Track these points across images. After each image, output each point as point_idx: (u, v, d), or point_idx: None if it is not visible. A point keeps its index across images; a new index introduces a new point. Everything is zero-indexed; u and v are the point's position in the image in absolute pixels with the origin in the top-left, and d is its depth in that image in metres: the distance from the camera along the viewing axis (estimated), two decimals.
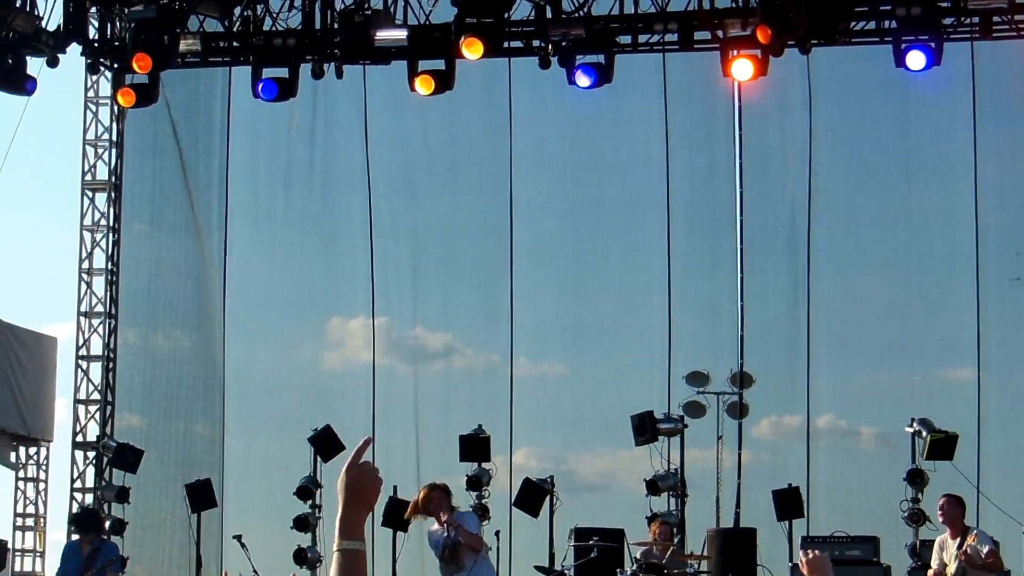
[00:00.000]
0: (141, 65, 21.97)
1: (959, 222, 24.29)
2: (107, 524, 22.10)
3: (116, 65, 23.76)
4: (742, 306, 24.96)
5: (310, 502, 23.30)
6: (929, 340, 24.87)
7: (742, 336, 24.91)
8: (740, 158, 25.08)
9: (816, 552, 7.57)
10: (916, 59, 20.68)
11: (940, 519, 18.34)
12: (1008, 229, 24.39)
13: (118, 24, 23.21)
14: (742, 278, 25.01)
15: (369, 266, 26.09)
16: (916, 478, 21.69)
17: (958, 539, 17.76)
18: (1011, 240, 24.35)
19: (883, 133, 25.14)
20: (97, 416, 26.53)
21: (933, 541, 19.36)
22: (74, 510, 25.76)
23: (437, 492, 17.66)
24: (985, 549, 17.74)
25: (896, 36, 20.86)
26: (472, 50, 21.15)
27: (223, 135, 26.66)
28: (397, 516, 22.22)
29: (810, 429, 24.81)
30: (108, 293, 26.66)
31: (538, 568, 20.92)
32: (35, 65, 21.67)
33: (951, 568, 17.71)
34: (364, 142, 25.95)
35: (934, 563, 18.07)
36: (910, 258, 25.04)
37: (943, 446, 21.62)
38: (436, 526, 17.74)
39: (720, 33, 21.89)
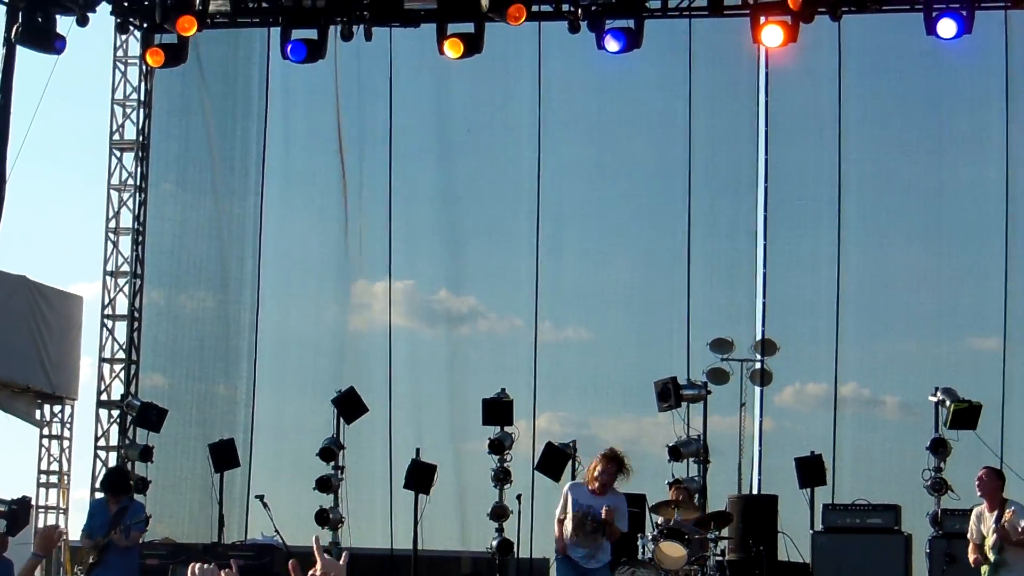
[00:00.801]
0: (185, 26, 21.94)
1: (989, 193, 24.31)
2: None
3: (145, 25, 23.65)
4: (765, 273, 25.03)
5: (332, 463, 23.18)
6: (956, 310, 24.85)
7: (764, 303, 25.01)
8: (767, 125, 25.19)
9: None
10: (947, 27, 20.49)
11: (978, 491, 18.18)
12: None
13: None
14: (766, 245, 25.08)
15: (391, 229, 26.17)
16: (939, 447, 21.58)
17: (996, 512, 17.60)
18: None
19: (913, 103, 25.14)
20: (121, 375, 26.65)
21: (954, 511, 19.31)
22: (98, 468, 25.82)
23: (613, 465, 17.32)
24: (1022, 524, 17.59)
25: (927, 3, 20.64)
26: (514, 15, 21.08)
27: (261, 99, 26.71)
28: (419, 478, 22.22)
29: (834, 397, 24.84)
30: (134, 252, 26.72)
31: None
32: (64, 24, 21.58)
33: (989, 541, 17.56)
34: (389, 106, 25.94)
35: (971, 535, 17.90)
36: (939, 228, 25.05)
37: (966, 416, 21.53)
38: (593, 490, 17.37)
39: None
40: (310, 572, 5.73)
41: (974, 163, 24.83)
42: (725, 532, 21.08)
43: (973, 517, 17.95)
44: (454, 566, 24.03)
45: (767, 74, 25.07)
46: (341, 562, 6.04)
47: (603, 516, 17.05)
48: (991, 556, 17.45)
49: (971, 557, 17.78)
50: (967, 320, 24.79)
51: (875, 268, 25.19)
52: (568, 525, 17.33)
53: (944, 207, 25.01)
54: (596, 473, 17.27)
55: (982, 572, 17.61)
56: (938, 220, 25.02)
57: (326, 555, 6.39)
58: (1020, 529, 17.30)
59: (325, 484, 23.14)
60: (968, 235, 24.80)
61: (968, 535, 17.93)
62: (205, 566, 7.13)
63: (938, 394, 21.79)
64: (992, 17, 22.09)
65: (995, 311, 24.11)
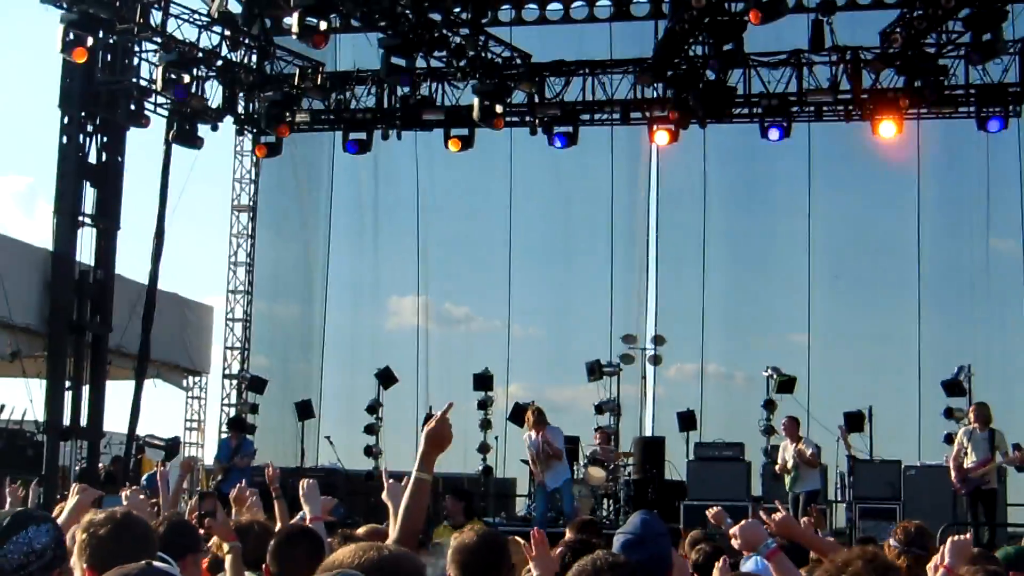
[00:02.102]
0: (281, 131, 22.41)
1: (798, 238, 24.34)
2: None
3: (255, 130, 23.99)
4: (656, 292, 25.11)
5: (375, 415, 23.40)
6: (778, 314, 25.06)
7: (656, 311, 25.04)
8: (658, 195, 25.29)
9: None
10: (775, 133, 21.01)
11: (783, 431, 18.55)
12: (831, 246, 24.55)
13: (256, 103, 23.44)
14: (657, 273, 25.15)
15: (416, 260, 26.37)
16: (769, 405, 21.95)
17: (794, 444, 18.04)
18: (830, 250, 24.51)
19: (749, 178, 25.12)
20: (239, 358, 26.84)
21: (777, 446, 19.60)
22: (223, 418, 26.04)
23: (536, 412, 17.67)
24: (809, 451, 18.06)
25: (761, 119, 21.13)
26: (497, 124, 21.50)
27: (328, 177, 26.65)
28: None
29: (702, 373, 24.94)
30: (247, 278, 26.90)
31: (523, 460, 21.01)
32: (203, 130, 21.89)
33: (789, 463, 18.00)
34: (415, 181, 26.14)
35: (779, 460, 18.33)
36: (767, 260, 25.12)
37: (787, 384, 21.85)
38: (532, 434, 17.64)
39: (647, 114, 22.21)
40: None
41: (788, 219, 24.73)
42: (630, 461, 21.51)
43: (780, 449, 18.43)
44: (456, 482, 24.18)
45: (658, 161, 25.06)
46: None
47: (541, 444, 17.46)
48: (790, 471, 18.02)
49: (778, 470, 18.31)
50: (786, 322, 24.83)
51: (728, 288, 25.05)
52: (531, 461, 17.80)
53: (769, 248, 25.13)
54: (531, 422, 17.69)
55: (786, 480, 18.17)
56: (766, 256, 25.09)
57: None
58: (809, 454, 17.87)
59: (370, 429, 23.36)
60: (785, 266, 24.67)
61: (778, 460, 18.46)
62: (310, 481, 7.34)
63: (768, 370, 22.09)
64: (802, 127, 22.20)
65: (802, 316, 24.15)
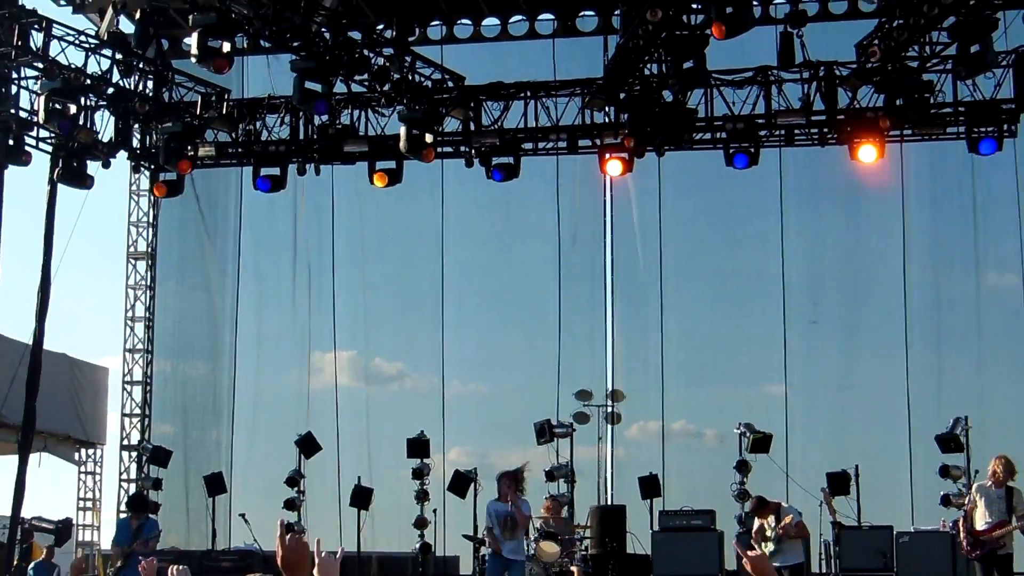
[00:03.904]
0: (183, 167, 22.13)
1: (770, 278, 24.34)
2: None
3: (152, 166, 23.72)
4: (613, 340, 25.10)
5: (296, 488, 23.11)
6: (751, 365, 24.99)
7: (613, 363, 25.03)
8: (612, 230, 25.26)
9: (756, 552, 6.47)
10: (741, 160, 20.89)
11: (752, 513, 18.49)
12: (807, 286, 24.57)
13: (154, 136, 23.17)
14: (613, 320, 25.17)
15: (337, 312, 26.11)
16: (742, 467, 21.89)
17: (772, 516, 17.88)
18: (809, 294, 24.55)
19: (714, 212, 25.22)
20: (138, 425, 26.44)
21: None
22: (122, 495, 25.74)
23: (508, 479, 17.43)
24: (795, 521, 17.84)
25: (725, 144, 20.97)
26: (427, 156, 21.29)
27: (236, 218, 26.52)
28: (361, 499, 22.25)
29: (664, 431, 24.80)
30: (146, 334, 26.61)
31: (465, 536, 20.91)
32: (93, 167, 21.59)
33: (768, 531, 17.84)
34: (335, 222, 25.97)
35: (755, 528, 18.21)
36: (735, 304, 25.11)
37: (762, 443, 21.89)
38: (501, 501, 17.40)
39: (598, 141, 22.10)
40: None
41: (759, 257, 24.80)
42: (587, 533, 21.36)
43: (755, 522, 18.29)
44: (390, 564, 24.05)
45: (611, 194, 25.07)
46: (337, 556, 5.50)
47: (511, 511, 17.17)
48: (769, 540, 17.81)
49: (754, 540, 18.11)
50: (760, 372, 24.75)
51: (689, 336, 25.09)
52: (496, 531, 17.42)
53: (735, 290, 25.10)
54: (502, 490, 17.37)
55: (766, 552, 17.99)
56: (735, 298, 25.08)
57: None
58: (795, 524, 17.69)
59: (291, 504, 23.04)
60: (756, 309, 24.78)
61: (753, 525, 18.25)
62: (180, 567, 7.09)
63: (741, 427, 22.07)
64: (771, 152, 22.28)
65: (778, 365, 24.10)
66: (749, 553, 6.34)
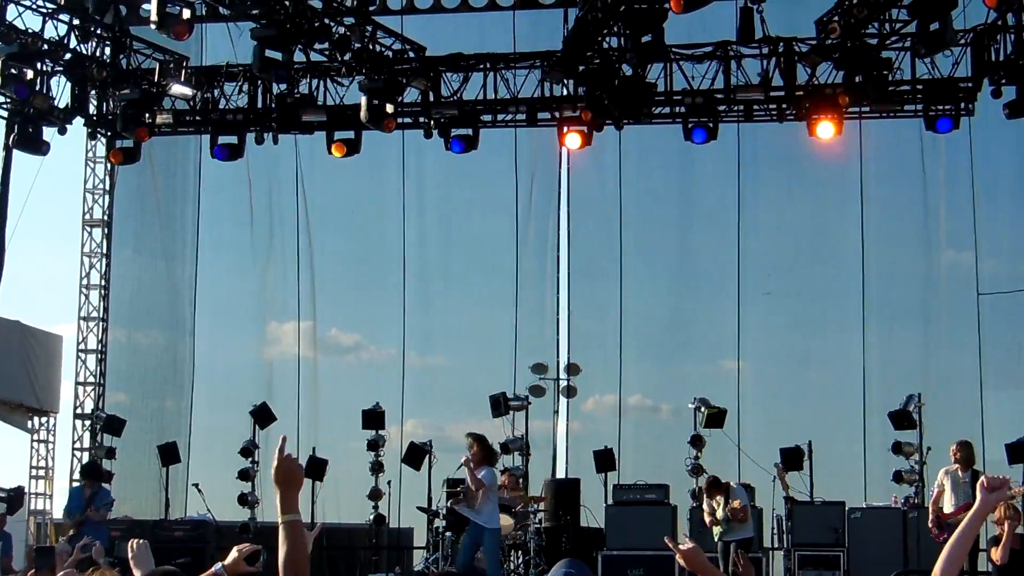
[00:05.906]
0: (140, 134, 22.08)
1: (725, 254, 24.44)
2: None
3: (109, 133, 23.62)
4: (569, 314, 25.18)
5: (250, 459, 23.05)
6: (706, 340, 25.14)
7: (569, 336, 25.12)
8: (568, 204, 25.29)
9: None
10: (700, 135, 21.01)
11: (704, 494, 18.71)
12: (764, 261, 24.57)
13: (111, 103, 23.11)
14: (569, 293, 25.23)
15: (297, 282, 26.19)
16: (697, 441, 21.88)
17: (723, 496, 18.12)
18: (762, 264, 24.55)
19: (672, 188, 25.30)
20: (92, 394, 26.40)
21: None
22: (75, 464, 25.76)
23: (470, 441, 17.50)
24: (741, 505, 18.10)
25: (684, 119, 21.09)
26: (388, 125, 21.33)
27: (195, 187, 26.44)
28: (315, 470, 22.26)
29: (622, 406, 24.87)
30: (101, 302, 26.58)
31: (419, 508, 20.96)
32: (49, 133, 21.53)
33: (719, 513, 18.10)
34: (295, 191, 26.03)
35: (706, 509, 18.42)
36: (691, 280, 25.22)
37: (716, 418, 21.86)
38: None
39: (557, 114, 22.22)
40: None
41: (716, 231, 24.92)
42: (542, 506, 21.36)
43: (704, 502, 18.53)
44: (343, 534, 24.08)
45: (569, 167, 25.12)
46: (313, 532, 5.93)
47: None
48: (719, 523, 18.06)
49: (707, 520, 18.36)
50: (716, 347, 24.92)
51: (647, 310, 25.14)
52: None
53: (693, 265, 25.18)
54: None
55: (714, 530, 18.24)
56: (690, 274, 25.18)
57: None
58: (740, 508, 17.94)
59: (245, 474, 22.99)
60: (714, 284, 24.86)
61: (704, 505, 18.48)
62: (140, 541, 7.24)
63: (696, 402, 22.11)
64: (730, 127, 22.42)
65: (731, 341, 24.24)
66: (680, 547, 6.45)
